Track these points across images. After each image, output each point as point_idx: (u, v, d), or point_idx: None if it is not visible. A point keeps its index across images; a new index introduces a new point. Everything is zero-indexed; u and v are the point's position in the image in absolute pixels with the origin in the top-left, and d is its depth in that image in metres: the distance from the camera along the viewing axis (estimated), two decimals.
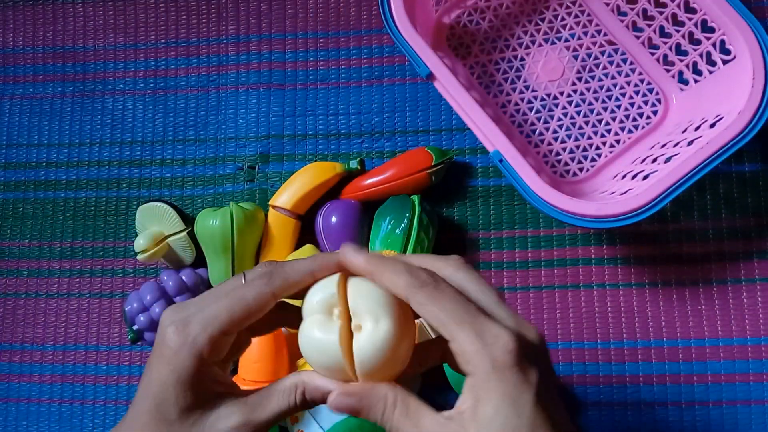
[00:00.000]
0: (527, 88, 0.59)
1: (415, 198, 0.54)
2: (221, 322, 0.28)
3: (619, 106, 0.58)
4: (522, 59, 0.60)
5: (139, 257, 0.55)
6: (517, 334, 0.27)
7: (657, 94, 0.58)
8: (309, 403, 0.30)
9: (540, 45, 0.60)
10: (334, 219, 0.54)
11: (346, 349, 0.29)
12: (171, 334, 0.28)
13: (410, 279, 0.28)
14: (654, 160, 0.52)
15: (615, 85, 0.59)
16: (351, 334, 0.29)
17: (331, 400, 0.28)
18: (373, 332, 0.28)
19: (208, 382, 0.29)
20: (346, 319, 0.29)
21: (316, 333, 0.29)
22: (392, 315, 0.29)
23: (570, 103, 0.59)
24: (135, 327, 0.54)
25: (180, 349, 0.28)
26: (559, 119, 0.59)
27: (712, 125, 0.49)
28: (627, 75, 0.59)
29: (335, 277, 0.30)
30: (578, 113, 0.59)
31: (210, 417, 0.28)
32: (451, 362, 0.29)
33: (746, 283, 0.55)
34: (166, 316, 0.29)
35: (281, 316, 0.33)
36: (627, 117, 0.58)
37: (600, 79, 0.59)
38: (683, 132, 0.53)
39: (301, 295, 0.31)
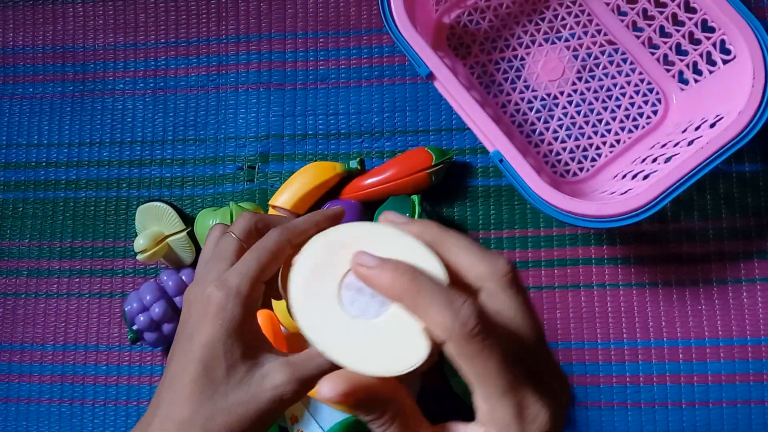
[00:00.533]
0: (527, 87, 0.59)
1: (415, 198, 0.54)
2: (256, 270, 0.29)
3: (619, 106, 0.58)
4: (522, 59, 0.60)
5: (139, 257, 0.55)
6: (559, 407, 0.24)
7: (657, 93, 0.58)
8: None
9: (540, 45, 0.60)
10: None
11: None
12: (214, 291, 0.28)
13: (454, 320, 0.23)
14: (654, 160, 0.52)
15: (615, 85, 0.59)
16: None
17: (324, 390, 0.25)
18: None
19: (253, 333, 0.29)
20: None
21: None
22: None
23: (570, 102, 0.59)
24: (135, 327, 0.54)
25: (226, 301, 0.28)
26: (559, 119, 0.59)
27: (712, 125, 0.49)
28: (627, 75, 0.59)
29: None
30: (578, 113, 0.59)
31: (255, 374, 0.28)
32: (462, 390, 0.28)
33: (746, 283, 0.55)
34: (193, 290, 0.30)
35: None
36: (627, 117, 0.58)
37: (600, 79, 0.59)
38: (683, 132, 0.53)
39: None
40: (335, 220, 0.32)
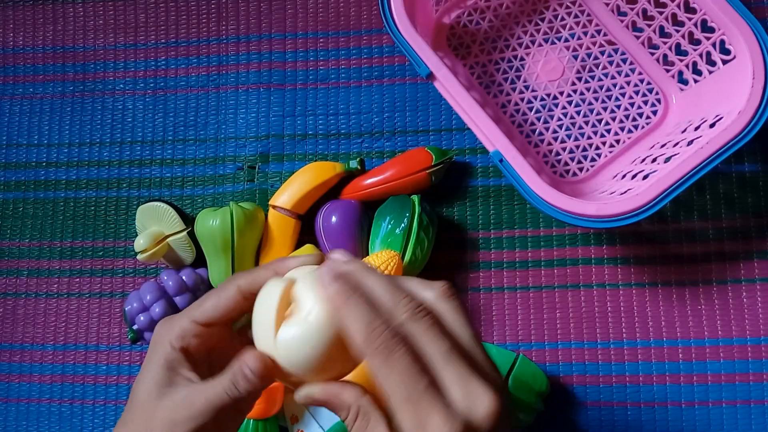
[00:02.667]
0: (527, 88, 0.59)
1: (415, 198, 0.54)
2: (191, 314, 0.34)
3: (618, 106, 0.58)
4: (522, 59, 0.60)
5: (139, 257, 0.55)
6: (463, 422, 0.26)
7: (657, 94, 0.58)
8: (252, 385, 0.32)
9: (540, 45, 0.60)
10: (334, 219, 0.54)
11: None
12: (158, 326, 0.35)
13: (367, 335, 0.27)
14: (654, 160, 0.52)
15: (615, 85, 0.59)
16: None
17: (299, 394, 0.31)
18: (302, 321, 0.30)
19: (178, 368, 0.33)
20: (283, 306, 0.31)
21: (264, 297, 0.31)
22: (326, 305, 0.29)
23: (570, 103, 0.59)
24: (135, 327, 0.54)
25: (158, 336, 0.34)
26: (559, 119, 0.59)
27: (712, 125, 0.49)
28: (627, 75, 0.59)
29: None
30: (578, 113, 0.59)
31: (173, 399, 0.32)
32: None
33: (746, 283, 0.55)
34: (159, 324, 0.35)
35: None
36: (627, 117, 0.58)
37: (600, 79, 0.59)
38: (683, 132, 0.53)
39: None
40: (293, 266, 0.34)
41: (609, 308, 0.56)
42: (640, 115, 0.58)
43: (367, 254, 0.55)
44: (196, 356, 0.34)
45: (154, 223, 0.58)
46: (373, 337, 0.27)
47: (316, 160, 0.60)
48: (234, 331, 0.37)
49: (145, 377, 0.33)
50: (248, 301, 0.33)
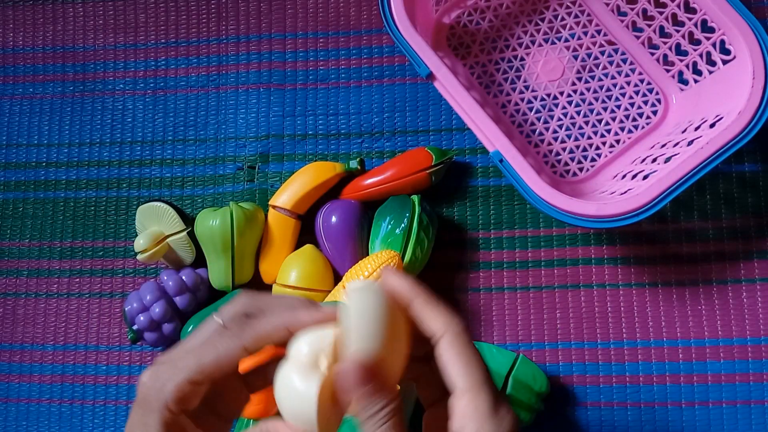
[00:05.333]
0: (527, 88, 0.59)
1: (415, 198, 0.54)
2: (193, 371, 0.29)
3: (618, 106, 0.58)
4: (522, 59, 0.60)
5: (139, 257, 0.55)
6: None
7: (657, 94, 0.58)
8: None
9: (540, 45, 0.60)
10: (334, 219, 0.54)
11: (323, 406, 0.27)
12: (146, 379, 0.29)
13: (451, 318, 0.29)
14: (654, 160, 0.52)
15: (615, 85, 0.59)
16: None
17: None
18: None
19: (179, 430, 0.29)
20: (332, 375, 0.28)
21: (295, 379, 0.28)
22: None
23: (570, 103, 0.59)
24: (135, 327, 0.54)
25: (149, 395, 0.29)
26: (559, 119, 0.59)
27: (712, 125, 0.49)
28: (627, 75, 0.59)
29: (328, 332, 0.29)
30: (578, 113, 0.59)
31: None
32: (427, 397, 0.31)
33: (746, 283, 0.55)
34: (145, 372, 0.30)
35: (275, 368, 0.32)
36: (627, 117, 0.58)
37: (600, 79, 0.59)
38: (683, 132, 0.53)
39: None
40: (311, 325, 0.31)
41: (609, 308, 0.56)
42: (640, 115, 0.58)
43: (367, 254, 0.55)
44: (194, 406, 0.30)
45: (154, 223, 0.58)
46: (456, 317, 0.29)
47: (316, 160, 0.60)
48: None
49: None
50: (252, 354, 0.30)
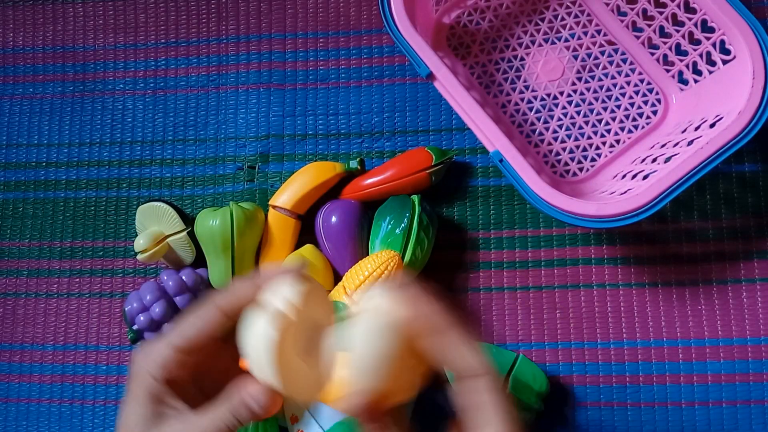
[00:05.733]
0: (527, 88, 0.59)
1: (415, 198, 0.54)
2: (170, 339, 0.31)
3: (618, 106, 0.58)
4: (522, 59, 0.60)
5: (139, 257, 0.55)
6: None
7: (657, 94, 0.58)
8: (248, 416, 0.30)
9: (540, 45, 0.60)
10: (334, 219, 0.54)
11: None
12: (135, 354, 0.32)
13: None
14: (654, 160, 0.52)
15: (615, 85, 0.59)
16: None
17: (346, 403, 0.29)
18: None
19: (165, 400, 0.31)
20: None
21: (258, 323, 0.29)
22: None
23: (570, 103, 0.59)
24: (135, 327, 0.54)
25: (138, 366, 0.31)
26: (559, 119, 0.59)
27: (712, 125, 0.49)
28: (627, 75, 0.59)
29: (298, 284, 0.30)
30: (578, 113, 0.59)
31: (162, 429, 0.30)
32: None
33: (746, 283, 0.55)
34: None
35: None
36: (627, 117, 0.58)
37: (600, 79, 0.59)
38: (683, 132, 0.53)
39: None
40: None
41: (609, 308, 0.56)
42: (640, 115, 0.58)
43: (368, 254, 0.55)
44: (181, 382, 0.32)
45: (154, 223, 0.58)
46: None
47: (316, 160, 0.60)
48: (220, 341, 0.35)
49: (130, 414, 0.31)
50: (232, 319, 0.31)
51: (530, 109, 0.59)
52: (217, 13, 0.64)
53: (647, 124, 0.58)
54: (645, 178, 0.49)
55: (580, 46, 0.60)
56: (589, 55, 0.59)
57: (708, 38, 0.52)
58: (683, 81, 0.57)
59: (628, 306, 0.56)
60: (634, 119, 0.58)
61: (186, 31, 0.64)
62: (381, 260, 0.51)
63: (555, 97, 0.59)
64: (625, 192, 0.49)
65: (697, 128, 0.51)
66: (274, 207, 0.57)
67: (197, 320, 0.31)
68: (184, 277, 0.55)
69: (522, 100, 0.59)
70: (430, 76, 0.49)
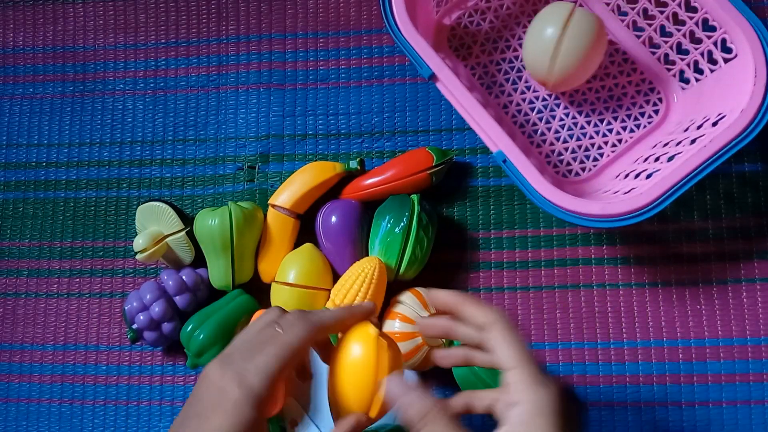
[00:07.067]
0: (528, 88, 0.59)
1: (415, 197, 0.54)
2: (276, 368, 0.30)
3: (620, 106, 0.58)
4: (523, 59, 0.60)
5: (138, 257, 0.55)
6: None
7: (658, 93, 0.58)
8: None
9: None
10: (334, 219, 0.54)
11: None
12: (233, 386, 0.30)
13: (499, 310, 0.36)
14: (656, 159, 0.52)
15: (616, 85, 0.59)
16: None
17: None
18: None
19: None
20: None
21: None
22: None
23: (571, 102, 0.59)
24: (135, 326, 0.54)
25: (241, 401, 0.29)
26: (561, 119, 0.58)
27: (715, 123, 0.49)
28: (628, 74, 0.59)
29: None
30: (580, 113, 0.58)
31: None
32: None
33: (746, 283, 0.55)
34: (214, 370, 0.31)
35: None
36: (629, 116, 0.58)
37: (601, 79, 0.59)
38: (685, 131, 0.53)
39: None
40: (363, 317, 0.37)
41: (609, 308, 0.56)
42: (642, 114, 0.58)
43: (367, 254, 0.55)
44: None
45: (154, 223, 0.58)
46: (502, 309, 0.36)
47: (316, 160, 0.60)
48: None
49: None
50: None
51: (532, 110, 0.59)
52: (217, 13, 0.64)
53: (649, 123, 0.58)
54: (648, 177, 0.49)
55: None
56: None
57: (709, 37, 0.52)
58: (684, 80, 0.57)
59: (628, 306, 0.56)
60: (636, 118, 0.58)
61: (186, 31, 0.64)
62: (362, 267, 0.51)
63: (556, 97, 0.59)
64: (629, 191, 0.49)
65: (699, 127, 0.51)
66: (273, 206, 0.57)
67: (293, 345, 0.32)
68: (184, 277, 0.55)
69: (523, 100, 0.59)
70: (433, 77, 0.49)
